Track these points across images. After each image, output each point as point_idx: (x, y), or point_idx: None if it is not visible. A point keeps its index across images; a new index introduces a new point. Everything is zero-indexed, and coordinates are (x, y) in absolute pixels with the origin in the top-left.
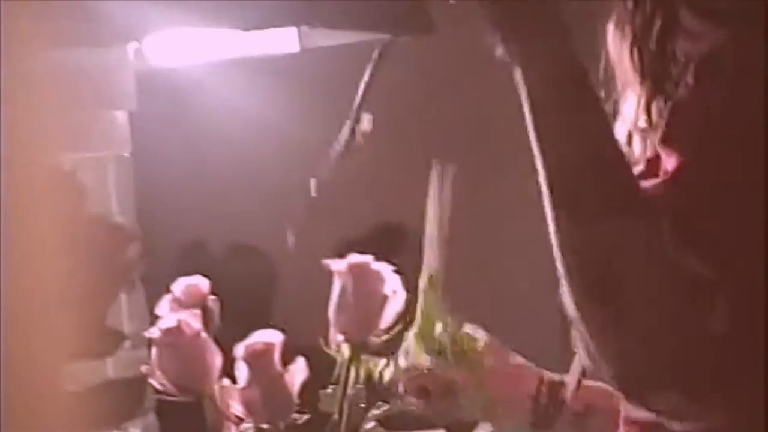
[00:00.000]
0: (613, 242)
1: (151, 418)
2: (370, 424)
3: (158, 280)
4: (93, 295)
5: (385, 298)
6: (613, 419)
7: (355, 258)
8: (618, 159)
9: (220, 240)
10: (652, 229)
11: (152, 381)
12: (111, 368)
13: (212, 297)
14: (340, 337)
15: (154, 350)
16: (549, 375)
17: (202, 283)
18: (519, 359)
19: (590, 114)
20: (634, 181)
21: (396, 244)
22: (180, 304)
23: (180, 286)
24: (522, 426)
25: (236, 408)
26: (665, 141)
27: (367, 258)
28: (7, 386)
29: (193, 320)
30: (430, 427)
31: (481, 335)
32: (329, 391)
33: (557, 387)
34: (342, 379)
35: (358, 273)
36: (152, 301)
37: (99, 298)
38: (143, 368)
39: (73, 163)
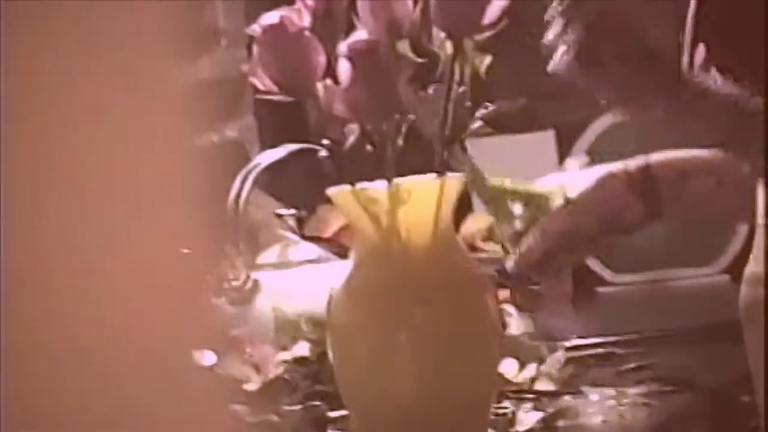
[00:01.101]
0: None
1: (250, 119)
2: (477, 124)
3: None
4: None
5: None
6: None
7: None
8: None
9: None
10: None
11: (253, 80)
12: (206, 68)
13: None
14: (443, 34)
15: (255, 48)
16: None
17: None
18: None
19: None
20: None
21: None
22: (310, 1)
23: None
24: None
25: (339, 108)
26: None
27: None
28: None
29: (296, 16)
30: (539, 128)
31: None
32: (431, 91)
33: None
34: (447, 77)
35: None
36: None
37: None
38: (243, 67)
39: None
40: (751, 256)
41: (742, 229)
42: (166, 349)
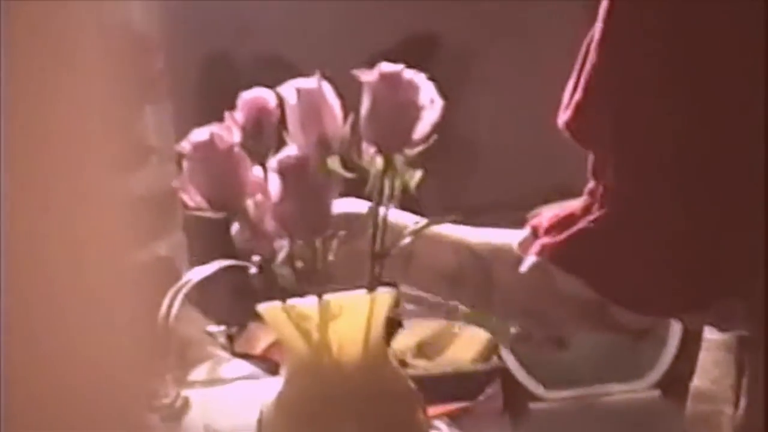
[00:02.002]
0: None
1: (179, 236)
2: (408, 239)
3: (184, 94)
4: (116, 107)
5: (419, 108)
6: None
7: (386, 67)
8: None
9: (247, 51)
10: None
11: (183, 196)
12: (137, 184)
13: (275, 110)
14: (372, 149)
15: (185, 165)
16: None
17: (267, 95)
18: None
19: None
20: None
21: (428, 53)
22: (240, 118)
23: (243, 98)
24: None
25: (270, 224)
26: None
27: (399, 67)
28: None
29: (226, 133)
30: None
31: None
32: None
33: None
34: (376, 192)
35: (390, 82)
36: (178, 114)
37: (123, 111)
38: (173, 183)
39: None
40: (696, 371)
41: (672, 343)
42: None
